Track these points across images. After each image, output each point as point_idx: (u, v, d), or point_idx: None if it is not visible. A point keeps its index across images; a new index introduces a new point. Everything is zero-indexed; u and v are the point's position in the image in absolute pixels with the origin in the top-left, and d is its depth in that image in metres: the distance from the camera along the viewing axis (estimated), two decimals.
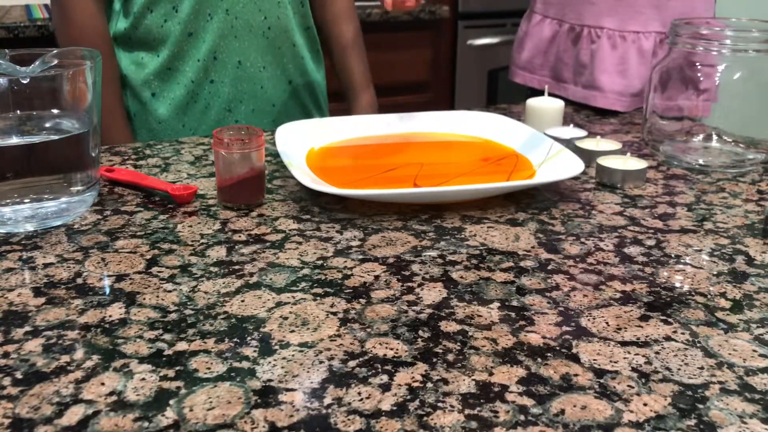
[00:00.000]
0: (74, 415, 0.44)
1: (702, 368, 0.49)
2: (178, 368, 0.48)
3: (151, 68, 1.05)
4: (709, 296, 0.59)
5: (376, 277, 0.61)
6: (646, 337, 0.53)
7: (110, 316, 0.55)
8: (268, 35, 1.07)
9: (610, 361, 0.50)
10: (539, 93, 1.31)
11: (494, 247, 0.67)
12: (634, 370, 0.49)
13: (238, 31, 1.04)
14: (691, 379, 0.48)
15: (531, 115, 1.04)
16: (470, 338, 0.52)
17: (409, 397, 0.46)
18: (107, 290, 0.59)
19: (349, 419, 0.43)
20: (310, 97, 1.18)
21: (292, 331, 0.53)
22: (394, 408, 0.44)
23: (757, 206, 0.79)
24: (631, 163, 0.85)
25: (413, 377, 0.48)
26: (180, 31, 1.02)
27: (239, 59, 1.05)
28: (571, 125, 1.03)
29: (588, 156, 0.90)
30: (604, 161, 0.85)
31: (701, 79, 0.94)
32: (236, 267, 0.63)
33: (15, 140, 0.70)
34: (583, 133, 1.00)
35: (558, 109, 1.03)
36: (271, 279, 0.61)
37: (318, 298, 0.58)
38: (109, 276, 0.61)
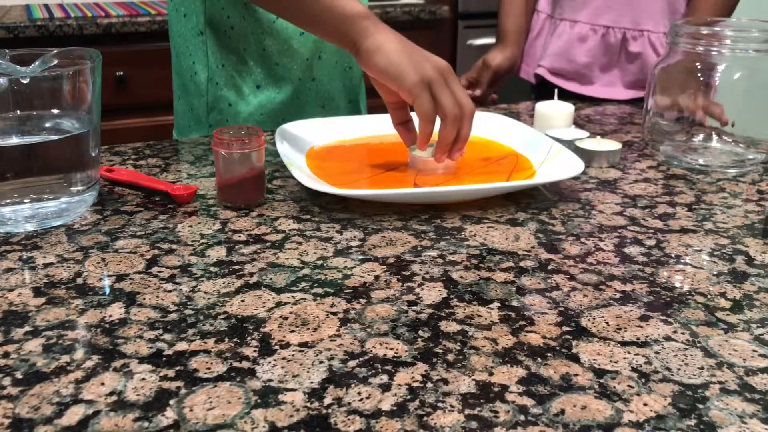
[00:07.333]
0: (74, 415, 0.44)
1: (702, 368, 0.49)
2: (178, 368, 0.48)
3: (260, 66, 1.06)
4: (709, 296, 0.59)
5: (376, 277, 0.61)
6: (646, 337, 0.53)
7: (110, 316, 0.55)
8: None
9: (610, 361, 0.50)
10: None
11: (494, 247, 0.67)
12: (634, 370, 0.49)
13: None
14: (691, 379, 0.48)
15: (540, 120, 1.03)
16: (470, 338, 0.52)
17: (409, 397, 0.46)
18: (107, 290, 0.59)
19: (349, 419, 0.43)
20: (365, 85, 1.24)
21: (292, 331, 0.53)
22: (394, 408, 0.44)
23: (757, 206, 0.79)
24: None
25: (413, 377, 0.48)
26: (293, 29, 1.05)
27: (336, 59, 1.10)
28: (572, 126, 1.03)
29: (588, 156, 0.90)
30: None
31: (701, 78, 0.94)
32: (236, 267, 0.63)
33: (15, 140, 0.70)
34: (584, 133, 1.00)
35: (568, 114, 1.02)
36: (271, 279, 0.61)
37: (318, 298, 0.58)
38: (109, 276, 0.61)
